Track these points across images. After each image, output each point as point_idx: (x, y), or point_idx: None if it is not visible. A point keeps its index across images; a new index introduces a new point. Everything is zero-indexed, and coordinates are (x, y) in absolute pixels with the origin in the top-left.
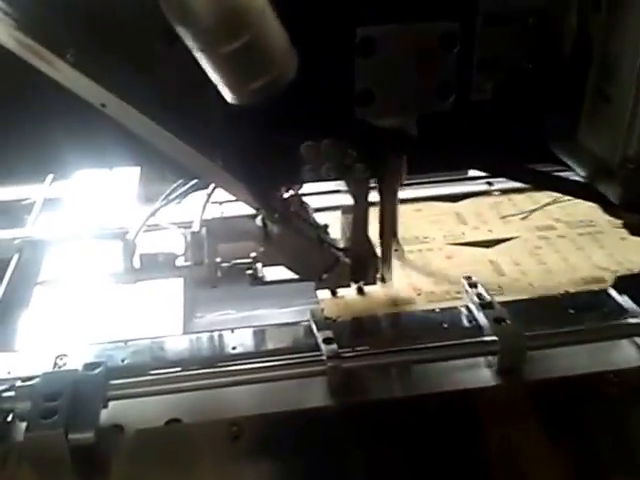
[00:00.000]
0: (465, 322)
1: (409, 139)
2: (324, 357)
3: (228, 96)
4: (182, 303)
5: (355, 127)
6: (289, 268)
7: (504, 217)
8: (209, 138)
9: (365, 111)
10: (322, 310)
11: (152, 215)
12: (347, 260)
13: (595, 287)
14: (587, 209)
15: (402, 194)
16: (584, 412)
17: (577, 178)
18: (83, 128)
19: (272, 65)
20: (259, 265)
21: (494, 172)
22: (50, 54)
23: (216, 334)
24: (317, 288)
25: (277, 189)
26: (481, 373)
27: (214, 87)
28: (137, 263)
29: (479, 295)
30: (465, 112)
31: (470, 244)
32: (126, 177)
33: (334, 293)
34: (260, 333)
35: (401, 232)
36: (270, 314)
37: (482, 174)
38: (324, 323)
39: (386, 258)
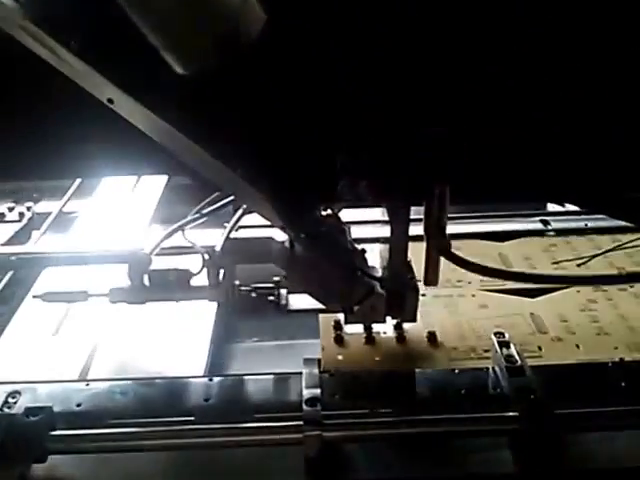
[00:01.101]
0: (489, 389)
1: (459, 157)
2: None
3: (175, 62)
4: (212, 327)
5: (396, 141)
6: (314, 297)
7: (557, 262)
8: (228, 143)
9: None
10: (319, 361)
11: (173, 232)
12: (382, 291)
13: None
14: None
15: None
16: None
17: None
18: (108, 129)
19: (222, 16)
20: (283, 291)
21: (575, 203)
22: (53, 42)
23: (193, 380)
24: (347, 322)
25: (307, 206)
26: (499, 456)
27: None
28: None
29: (509, 357)
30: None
31: (510, 292)
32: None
33: (368, 330)
34: (241, 384)
35: None
36: (307, 344)
37: (537, 210)
38: (315, 378)
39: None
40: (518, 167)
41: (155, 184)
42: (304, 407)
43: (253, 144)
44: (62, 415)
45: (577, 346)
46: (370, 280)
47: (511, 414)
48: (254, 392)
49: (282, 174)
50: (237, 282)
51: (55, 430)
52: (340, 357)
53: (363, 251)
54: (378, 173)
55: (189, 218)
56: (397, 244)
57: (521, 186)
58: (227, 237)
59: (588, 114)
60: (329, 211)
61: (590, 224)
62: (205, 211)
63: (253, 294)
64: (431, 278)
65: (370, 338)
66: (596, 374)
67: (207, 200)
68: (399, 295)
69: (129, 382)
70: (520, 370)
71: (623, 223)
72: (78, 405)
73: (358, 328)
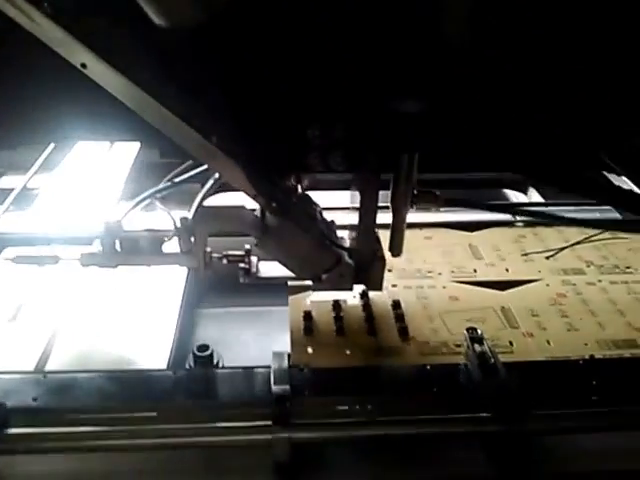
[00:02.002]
0: (461, 387)
1: (429, 128)
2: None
3: (155, 13)
4: (182, 292)
5: (367, 110)
6: (285, 265)
7: (526, 254)
8: (203, 111)
9: None
10: (288, 356)
11: (145, 199)
12: (350, 261)
13: (627, 353)
14: (625, 252)
15: (412, 217)
16: None
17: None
18: (81, 95)
19: None
20: (254, 259)
21: (531, 175)
22: (25, 4)
23: (156, 373)
24: (315, 289)
25: (279, 176)
26: (472, 458)
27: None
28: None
29: (482, 354)
30: (499, 105)
31: (481, 284)
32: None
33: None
34: (208, 378)
35: (402, 263)
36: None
37: (506, 202)
38: (284, 373)
39: (397, 229)
40: (482, 138)
41: (124, 161)
42: (273, 406)
43: (228, 112)
44: (18, 411)
45: (548, 342)
46: (338, 249)
47: (484, 415)
48: (220, 387)
49: (255, 143)
50: (209, 249)
51: (8, 428)
52: (310, 350)
53: (332, 222)
54: (348, 143)
55: (161, 186)
56: (366, 214)
57: (484, 156)
58: (199, 204)
59: (550, 89)
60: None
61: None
62: (177, 180)
63: (224, 261)
64: (396, 249)
65: (341, 330)
66: (568, 372)
67: (179, 169)
68: (366, 264)
69: (89, 374)
70: (494, 368)
71: (590, 216)
72: (34, 399)
73: (329, 320)
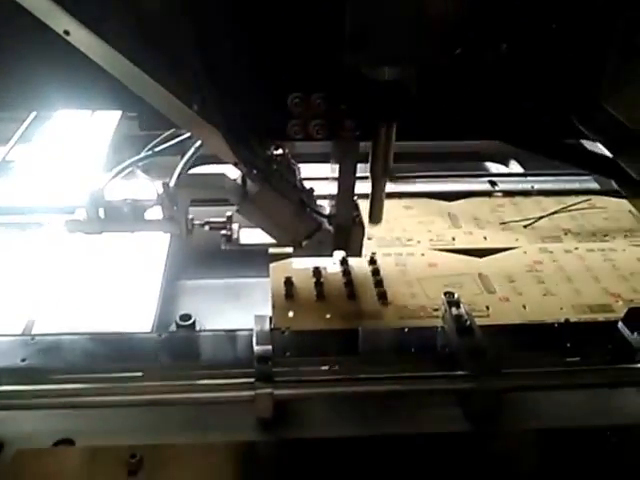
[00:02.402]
0: (438, 348)
1: (407, 96)
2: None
3: None
4: (164, 262)
5: (347, 79)
6: (266, 231)
7: (504, 223)
8: (185, 79)
9: (356, 57)
10: (270, 319)
11: (127, 167)
12: (330, 227)
13: (601, 317)
14: (602, 221)
15: (391, 188)
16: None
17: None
18: (61, 63)
19: None
20: (235, 226)
21: (505, 140)
22: None
23: (142, 335)
24: (295, 255)
25: (260, 144)
26: (448, 415)
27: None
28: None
29: (458, 317)
30: (477, 72)
31: (459, 251)
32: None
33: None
34: (192, 340)
35: (383, 232)
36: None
37: (486, 172)
38: (266, 335)
39: (377, 198)
40: (461, 106)
41: (103, 132)
42: (255, 365)
43: (209, 80)
44: (7, 372)
45: (524, 307)
46: (318, 216)
47: (463, 374)
48: (204, 349)
49: (236, 111)
50: (191, 216)
51: None
52: (291, 314)
53: (312, 190)
54: (327, 111)
55: (143, 154)
56: (344, 182)
57: (463, 124)
58: (181, 172)
59: (527, 58)
60: (280, 151)
61: (536, 186)
62: (159, 148)
63: (206, 227)
64: (375, 216)
65: (321, 294)
66: (543, 335)
67: (160, 138)
68: (345, 231)
69: (77, 337)
70: (470, 330)
71: (568, 186)
72: (23, 360)
73: (310, 285)
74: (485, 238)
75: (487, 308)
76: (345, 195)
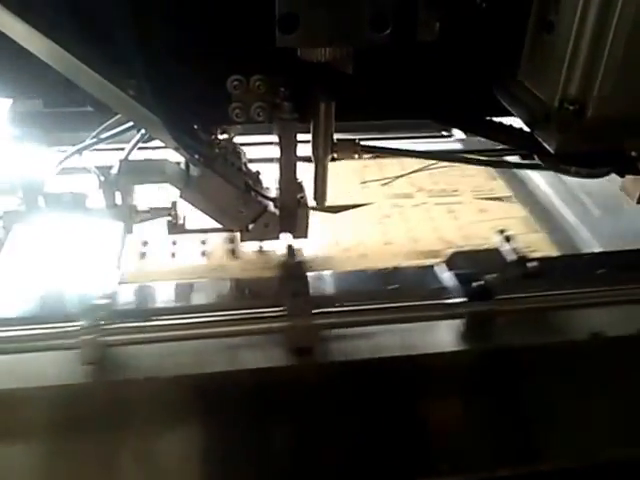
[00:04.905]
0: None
1: (342, 78)
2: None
3: None
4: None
5: (283, 61)
6: (211, 216)
7: (365, 182)
8: (119, 64)
9: (287, 39)
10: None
11: (70, 155)
12: (275, 210)
13: (431, 262)
14: (457, 179)
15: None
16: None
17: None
18: None
19: None
20: (180, 211)
21: (434, 119)
22: None
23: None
24: (242, 239)
25: (204, 129)
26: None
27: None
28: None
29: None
30: (408, 52)
31: (315, 209)
32: None
33: None
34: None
35: None
36: None
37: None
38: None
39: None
40: (391, 87)
41: None
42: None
43: (144, 64)
44: None
45: (364, 255)
46: (264, 199)
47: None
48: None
49: (174, 95)
50: (135, 203)
51: None
52: None
53: (257, 173)
54: (267, 93)
55: (87, 142)
56: (286, 163)
57: (393, 104)
58: (124, 159)
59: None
60: (225, 135)
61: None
62: (104, 135)
63: (150, 214)
64: (320, 197)
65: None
66: (367, 280)
67: (106, 124)
68: (290, 213)
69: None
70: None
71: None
72: None
73: None
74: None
75: (330, 258)
76: (287, 177)
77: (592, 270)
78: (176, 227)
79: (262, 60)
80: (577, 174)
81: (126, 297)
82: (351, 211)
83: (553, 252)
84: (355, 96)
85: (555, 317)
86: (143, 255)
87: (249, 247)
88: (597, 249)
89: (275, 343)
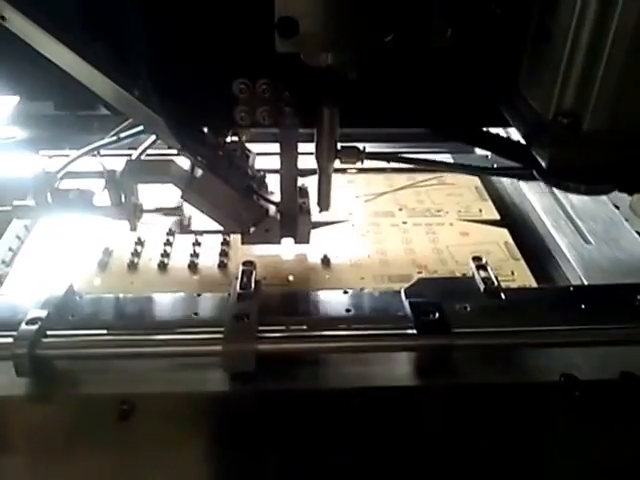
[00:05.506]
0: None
1: (346, 83)
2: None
3: None
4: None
5: (288, 65)
6: (212, 218)
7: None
8: (126, 65)
9: (287, 44)
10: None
11: (81, 156)
12: (276, 215)
13: (398, 286)
14: (443, 197)
15: None
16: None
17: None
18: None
19: None
20: (186, 212)
21: (437, 132)
22: None
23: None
24: (243, 243)
25: (212, 131)
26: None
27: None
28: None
29: (244, 285)
30: (417, 60)
31: None
32: None
33: None
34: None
35: None
36: None
37: None
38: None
39: (324, 184)
40: (394, 95)
41: None
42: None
43: (150, 66)
44: None
45: (327, 277)
46: (266, 203)
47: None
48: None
49: (179, 97)
50: (140, 202)
51: None
52: None
53: (262, 177)
54: (271, 97)
55: (98, 144)
56: (287, 169)
57: (395, 113)
58: (137, 156)
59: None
60: (235, 138)
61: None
62: (115, 138)
63: (156, 214)
64: (323, 203)
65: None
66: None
67: (120, 127)
68: (292, 218)
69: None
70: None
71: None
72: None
73: None
74: (319, 212)
75: (288, 282)
76: (288, 182)
77: (568, 305)
78: (182, 227)
79: (268, 64)
80: (576, 190)
81: (68, 309)
82: (324, 227)
83: (531, 283)
84: (358, 102)
85: (520, 355)
86: (104, 266)
87: (209, 262)
88: (581, 282)
89: (215, 366)
